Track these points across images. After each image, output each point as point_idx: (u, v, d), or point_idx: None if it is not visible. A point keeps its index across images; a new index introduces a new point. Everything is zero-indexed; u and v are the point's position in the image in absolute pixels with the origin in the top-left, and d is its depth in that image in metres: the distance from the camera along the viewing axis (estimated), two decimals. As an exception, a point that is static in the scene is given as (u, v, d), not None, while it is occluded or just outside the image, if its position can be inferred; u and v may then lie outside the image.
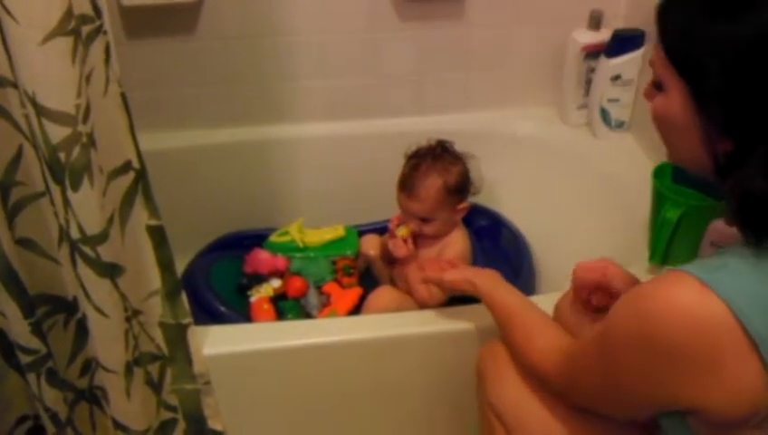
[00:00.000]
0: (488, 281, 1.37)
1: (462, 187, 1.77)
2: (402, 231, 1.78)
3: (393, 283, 1.86)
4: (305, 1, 1.94)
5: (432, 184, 1.73)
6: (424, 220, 1.76)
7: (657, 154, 1.84)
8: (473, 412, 1.41)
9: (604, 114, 2.02)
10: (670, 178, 1.59)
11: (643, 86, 1.92)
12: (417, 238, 1.81)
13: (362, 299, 1.83)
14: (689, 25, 0.89)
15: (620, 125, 2.04)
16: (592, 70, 2.03)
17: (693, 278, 0.85)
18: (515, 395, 1.23)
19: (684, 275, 0.86)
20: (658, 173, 1.59)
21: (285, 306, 1.86)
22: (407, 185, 1.75)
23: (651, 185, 1.59)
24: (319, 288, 1.91)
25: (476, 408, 1.37)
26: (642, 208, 1.66)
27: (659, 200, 1.56)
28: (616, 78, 1.97)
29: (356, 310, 1.83)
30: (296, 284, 1.89)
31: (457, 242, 1.80)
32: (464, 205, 1.79)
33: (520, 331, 1.22)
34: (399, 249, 1.77)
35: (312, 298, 1.87)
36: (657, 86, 0.96)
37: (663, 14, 0.93)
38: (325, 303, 1.87)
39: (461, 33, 2.04)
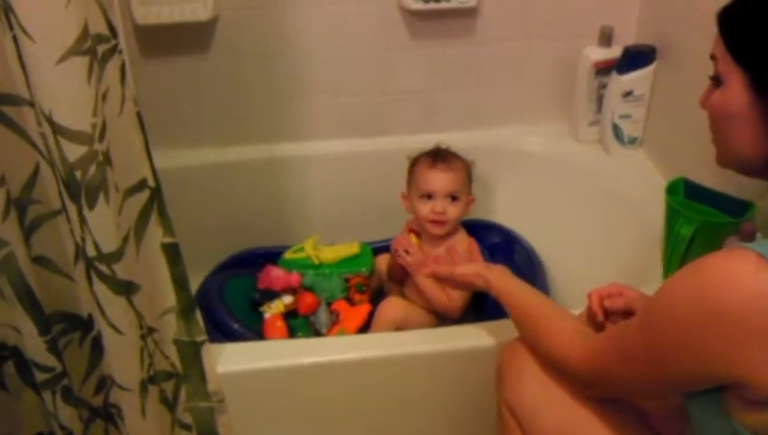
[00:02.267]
0: (500, 276, 1.36)
1: (470, 177, 1.84)
2: (413, 239, 1.80)
3: (404, 297, 1.86)
4: (317, 19, 1.95)
5: (460, 161, 1.82)
6: (453, 199, 1.79)
7: (670, 170, 1.84)
8: (489, 429, 1.41)
9: (616, 130, 2.02)
10: (683, 195, 1.59)
11: (656, 101, 1.94)
12: (423, 244, 1.83)
13: (371, 316, 1.83)
14: (751, 19, 0.94)
15: (633, 141, 2.04)
16: (604, 86, 2.03)
17: (751, 251, 0.85)
18: (533, 393, 1.23)
19: (742, 249, 0.87)
20: (671, 189, 1.59)
21: (295, 324, 1.86)
22: (440, 158, 1.81)
23: (664, 201, 1.58)
24: (329, 305, 1.91)
25: (491, 424, 1.36)
26: (655, 225, 1.66)
27: (673, 216, 1.55)
28: (627, 94, 1.97)
29: (365, 326, 1.83)
30: (307, 300, 1.89)
31: (464, 240, 1.82)
32: (473, 197, 1.84)
33: (539, 325, 1.22)
34: (413, 265, 1.77)
35: (322, 316, 1.87)
36: (716, 81, 1.00)
37: (723, 13, 0.98)
38: (335, 321, 1.87)
39: (472, 50, 2.05)
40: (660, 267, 1.62)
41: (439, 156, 1.81)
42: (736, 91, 0.96)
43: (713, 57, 1.00)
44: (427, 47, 2.03)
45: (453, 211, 1.79)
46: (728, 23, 0.97)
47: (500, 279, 1.36)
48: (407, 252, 1.77)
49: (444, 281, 1.53)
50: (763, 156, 0.96)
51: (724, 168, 1.06)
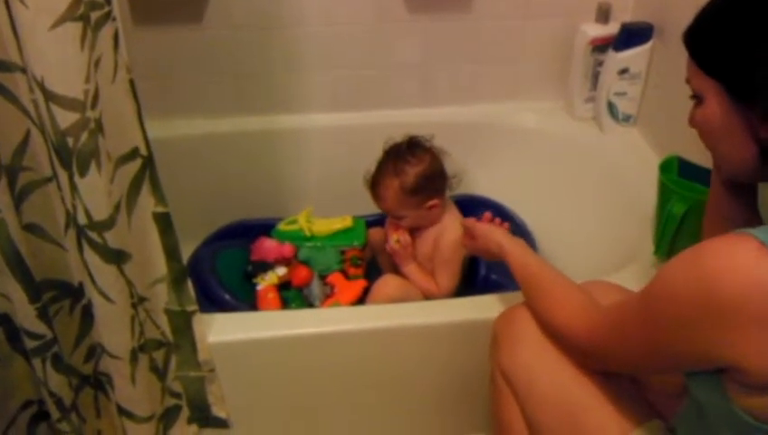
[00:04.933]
0: (516, 245, 1.37)
1: (421, 187, 1.76)
2: (395, 237, 1.83)
3: (398, 273, 1.87)
4: (314, -9, 1.94)
5: (390, 185, 1.76)
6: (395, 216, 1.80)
7: (664, 148, 1.84)
8: (481, 400, 1.41)
9: (611, 108, 2.02)
10: (677, 173, 1.59)
11: (651, 80, 1.94)
12: (412, 230, 1.83)
13: (366, 292, 1.84)
14: (712, 29, 0.99)
15: (627, 119, 2.03)
16: (600, 63, 2.02)
17: (752, 238, 0.86)
18: (527, 359, 1.25)
19: (743, 235, 0.88)
20: (665, 167, 1.59)
21: (288, 296, 1.87)
22: (370, 184, 1.80)
23: (657, 179, 1.58)
24: (323, 278, 1.91)
25: (485, 396, 1.37)
26: (648, 202, 1.66)
27: (665, 194, 1.55)
28: (623, 71, 1.96)
29: (359, 302, 1.83)
30: (301, 273, 1.89)
31: (451, 230, 1.80)
32: (433, 202, 1.78)
33: (548, 294, 1.23)
34: (399, 255, 1.82)
35: (315, 288, 1.87)
36: (696, 100, 1.03)
37: (691, 32, 1.03)
38: (329, 293, 1.87)
39: (469, 25, 2.03)
40: (651, 244, 1.62)
41: (372, 180, 1.80)
42: (714, 104, 0.99)
43: (688, 81, 1.03)
44: (423, 21, 2.01)
45: (403, 223, 1.81)
46: (693, 40, 1.02)
47: (516, 247, 1.37)
48: (398, 241, 1.80)
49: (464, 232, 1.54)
50: (753, 159, 0.99)
51: (731, 179, 1.11)
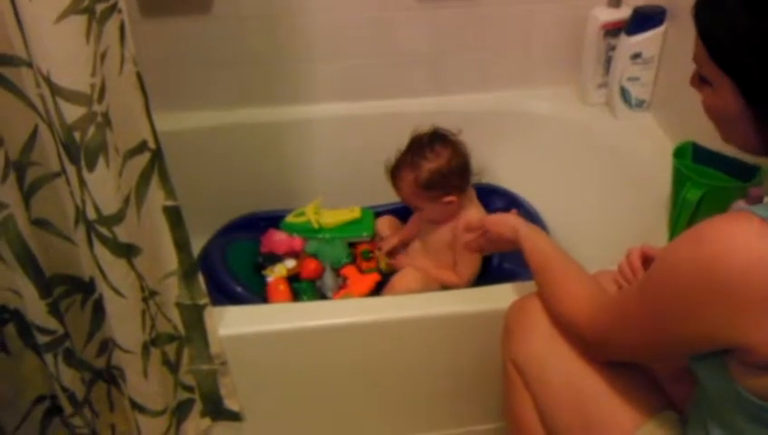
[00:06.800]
0: (531, 229, 1.36)
1: (435, 183, 1.73)
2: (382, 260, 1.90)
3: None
4: (321, -20, 1.92)
5: (405, 177, 1.75)
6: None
7: (678, 134, 1.82)
8: (495, 391, 1.41)
9: (624, 93, 2.00)
10: (691, 158, 1.58)
11: (665, 64, 1.91)
12: (427, 222, 1.84)
13: (379, 286, 1.84)
14: (728, 26, 0.92)
15: (640, 104, 2.01)
16: (612, 48, 2.00)
17: (752, 215, 0.85)
18: (540, 349, 1.24)
19: (744, 213, 0.86)
20: (679, 153, 1.58)
21: (300, 288, 1.86)
22: (390, 174, 1.79)
23: (672, 165, 1.57)
24: (337, 270, 1.90)
25: (499, 387, 1.36)
26: (662, 188, 1.64)
27: (680, 180, 1.54)
28: (636, 56, 1.94)
29: (372, 296, 1.82)
30: (311, 265, 1.89)
31: (470, 215, 1.78)
32: (449, 198, 1.76)
33: (557, 280, 1.22)
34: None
35: (329, 280, 1.87)
36: (702, 80, 0.99)
37: (700, 16, 0.97)
38: (342, 285, 1.86)
39: (478, 11, 2.01)
40: (667, 231, 1.60)
41: (392, 170, 1.79)
42: (728, 97, 0.95)
43: (696, 59, 0.99)
44: (432, 9, 2.00)
45: (423, 214, 1.82)
46: (708, 33, 0.96)
47: (531, 231, 1.35)
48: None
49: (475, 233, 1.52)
50: (754, 147, 0.96)
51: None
